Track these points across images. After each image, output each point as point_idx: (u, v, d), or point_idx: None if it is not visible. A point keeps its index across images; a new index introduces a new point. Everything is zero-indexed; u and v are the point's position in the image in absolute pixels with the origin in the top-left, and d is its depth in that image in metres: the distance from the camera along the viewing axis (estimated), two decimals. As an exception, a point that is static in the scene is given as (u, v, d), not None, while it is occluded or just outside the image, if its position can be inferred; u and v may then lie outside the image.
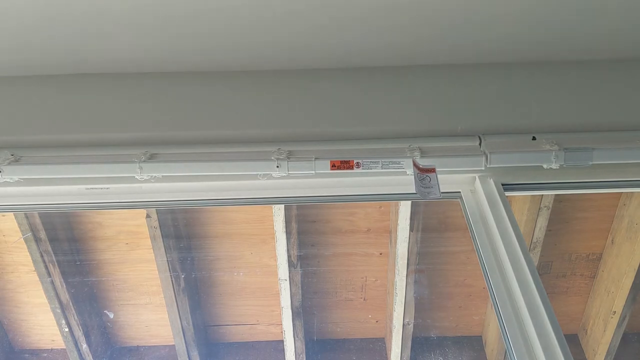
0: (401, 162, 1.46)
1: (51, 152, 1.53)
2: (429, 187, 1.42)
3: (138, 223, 2.44)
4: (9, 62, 1.61)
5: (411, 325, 2.71)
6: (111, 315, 2.80)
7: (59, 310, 2.62)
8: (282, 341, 2.77)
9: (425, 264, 2.59)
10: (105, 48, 1.55)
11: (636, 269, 2.38)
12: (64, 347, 2.77)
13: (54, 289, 2.56)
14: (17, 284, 2.65)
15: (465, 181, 1.53)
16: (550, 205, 2.30)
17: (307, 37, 1.53)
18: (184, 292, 2.61)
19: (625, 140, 1.50)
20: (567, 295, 2.71)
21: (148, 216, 2.35)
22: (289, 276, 2.50)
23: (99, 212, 2.43)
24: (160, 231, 2.39)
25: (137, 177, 1.48)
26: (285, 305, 2.60)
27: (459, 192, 1.52)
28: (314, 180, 1.53)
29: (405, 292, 2.53)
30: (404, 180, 1.49)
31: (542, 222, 2.35)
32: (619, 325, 2.54)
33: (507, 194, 1.47)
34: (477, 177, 1.51)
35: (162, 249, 2.45)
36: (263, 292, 2.74)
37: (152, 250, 2.46)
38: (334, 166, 1.47)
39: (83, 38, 1.50)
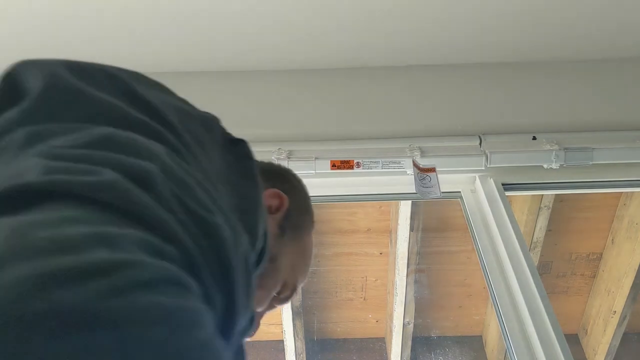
0: (401, 162, 1.46)
1: (51, 152, 1.53)
2: (429, 187, 1.42)
3: (138, 223, 2.44)
4: (9, 62, 1.61)
5: (411, 325, 2.71)
6: (111, 315, 2.80)
7: (59, 310, 2.62)
8: (282, 341, 2.77)
9: (426, 263, 2.59)
10: (106, 48, 1.55)
11: (636, 269, 2.38)
12: (64, 347, 2.77)
13: (54, 288, 2.56)
14: (17, 284, 2.65)
15: (465, 181, 1.53)
16: (550, 205, 2.30)
17: (307, 37, 1.53)
18: (184, 292, 2.61)
19: (625, 140, 1.50)
20: (567, 295, 2.71)
21: (148, 216, 2.35)
22: (289, 276, 2.50)
23: (99, 212, 2.42)
24: (161, 231, 2.39)
25: (137, 177, 1.48)
26: (286, 305, 2.60)
27: (459, 191, 1.52)
28: (314, 180, 1.53)
29: (405, 291, 2.53)
30: (404, 180, 1.49)
31: (542, 222, 2.35)
32: (619, 325, 2.54)
33: (507, 193, 1.47)
34: (477, 176, 1.51)
35: (162, 249, 2.44)
36: (263, 292, 2.73)
37: (152, 250, 2.46)
38: (334, 166, 1.47)
39: (83, 37, 1.50)
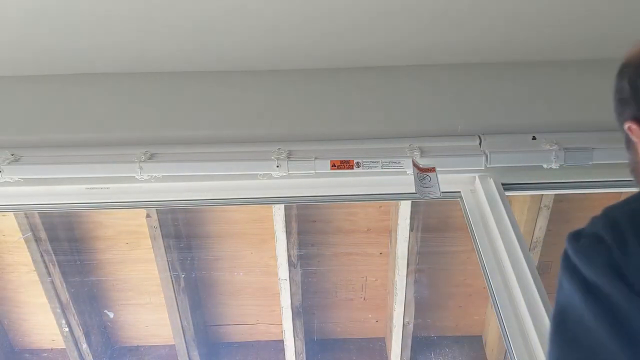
0: (401, 162, 1.46)
1: (51, 152, 1.53)
2: (429, 187, 1.42)
3: (138, 223, 2.44)
4: (9, 61, 1.61)
5: (411, 325, 2.71)
6: (111, 315, 2.81)
7: (59, 310, 2.62)
8: (282, 341, 2.77)
9: (426, 263, 2.59)
10: (106, 48, 1.55)
11: (636, 269, 2.38)
12: (64, 347, 2.77)
13: (54, 288, 2.57)
14: (17, 284, 2.66)
15: (465, 181, 1.53)
16: (550, 205, 2.30)
17: (307, 37, 1.53)
18: (184, 292, 2.61)
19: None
20: (567, 295, 2.71)
21: (148, 216, 2.36)
22: (289, 276, 2.51)
23: (100, 212, 2.43)
24: (160, 231, 2.39)
25: (137, 177, 1.48)
26: (285, 305, 2.61)
27: (459, 191, 1.52)
28: (314, 180, 1.53)
29: (405, 291, 2.53)
30: (404, 180, 1.49)
31: (542, 222, 2.34)
32: (619, 325, 2.54)
33: (507, 193, 1.47)
34: (477, 176, 1.51)
35: (162, 249, 2.45)
36: (263, 292, 2.74)
37: (152, 250, 2.46)
38: (334, 166, 1.47)
39: (83, 38, 1.50)
